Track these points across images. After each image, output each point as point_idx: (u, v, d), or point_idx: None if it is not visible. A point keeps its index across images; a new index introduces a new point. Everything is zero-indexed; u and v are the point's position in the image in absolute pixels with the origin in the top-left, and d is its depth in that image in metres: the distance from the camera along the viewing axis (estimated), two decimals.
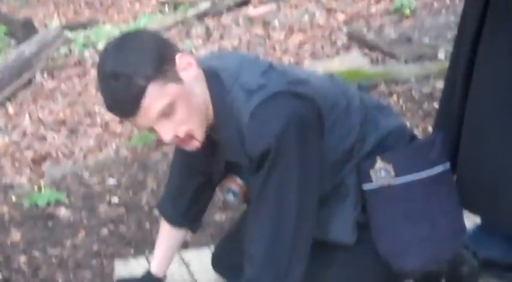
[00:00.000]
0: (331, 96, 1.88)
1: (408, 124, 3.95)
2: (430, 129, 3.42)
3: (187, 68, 1.75)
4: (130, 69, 1.66)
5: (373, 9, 5.83)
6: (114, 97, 1.69)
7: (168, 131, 1.73)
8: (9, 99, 5.63)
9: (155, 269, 2.21)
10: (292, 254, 1.81)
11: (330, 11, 6.07)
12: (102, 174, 3.72)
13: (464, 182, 2.12)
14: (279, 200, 1.79)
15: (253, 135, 1.74)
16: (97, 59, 1.67)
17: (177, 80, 1.72)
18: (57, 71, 6.01)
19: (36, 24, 7.93)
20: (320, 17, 5.98)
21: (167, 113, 1.71)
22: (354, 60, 4.79)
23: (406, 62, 4.66)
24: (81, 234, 3.11)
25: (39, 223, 3.23)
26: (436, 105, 3.67)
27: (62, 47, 6.47)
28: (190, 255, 2.50)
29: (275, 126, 1.71)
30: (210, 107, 1.81)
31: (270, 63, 1.89)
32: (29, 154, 4.59)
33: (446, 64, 2.33)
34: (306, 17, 6.04)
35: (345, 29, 5.56)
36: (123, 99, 1.67)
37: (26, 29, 7.51)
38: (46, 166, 4.22)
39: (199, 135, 1.79)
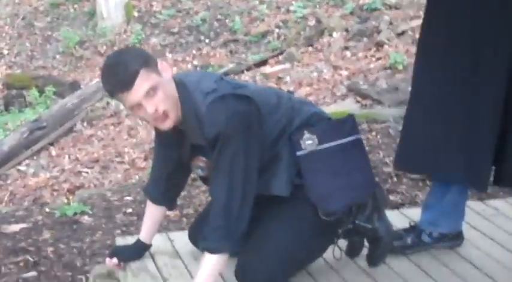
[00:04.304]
0: (264, 95, 2.61)
1: (381, 154, 4.65)
2: None
3: (165, 70, 2.50)
4: (127, 60, 2.41)
5: (372, 66, 6.57)
6: (115, 77, 2.40)
7: (151, 105, 2.43)
8: (52, 144, 6.48)
9: (143, 237, 2.89)
10: (241, 204, 2.49)
11: (336, 68, 6.82)
12: (122, 194, 4.47)
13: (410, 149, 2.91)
14: (230, 169, 2.48)
15: (208, 124, 2.46)
16: None
17: (159, 74, 2.46)
18: (95, 121, 6.86)
19: (82, 85, 8.86)
20: (327, 73, 6.74)
21: (150, 93, 2.42)
22: (346, 106, 5.52)
23: (389, 107, 5.36)
24: (99, 233, 3.84)
25: (66, 227, 3.97)
26: None
27: (100, 101, 7.34)
28: (175, 234, 3.18)
29: (223, 117, 2.44)
30: (179, 104, 2.54)
31: (221, 75, 2.64)
32: (65, 186, 5.40)
33: None
34: (315, 74, 6.80)
35: (345, 83, 6.29)
36: (122, 78, 2.38)
37: (72, 90, 8.41)
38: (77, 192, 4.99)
39: (173, 115, 2.49)
